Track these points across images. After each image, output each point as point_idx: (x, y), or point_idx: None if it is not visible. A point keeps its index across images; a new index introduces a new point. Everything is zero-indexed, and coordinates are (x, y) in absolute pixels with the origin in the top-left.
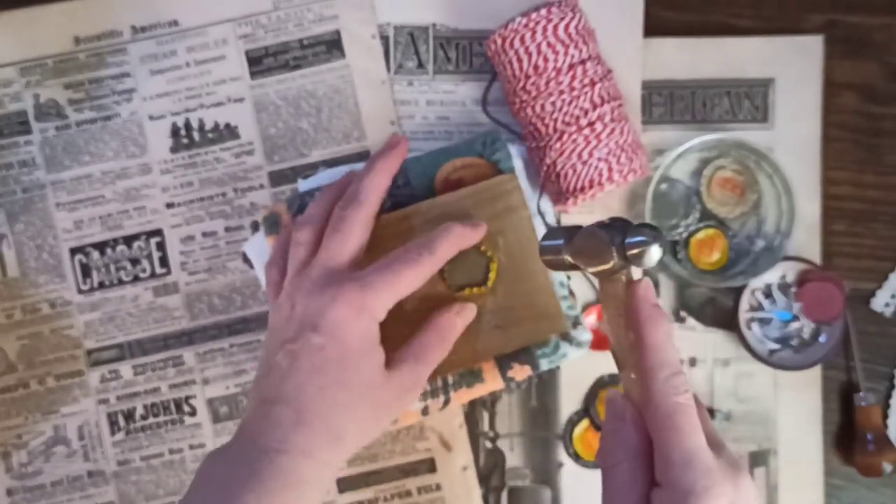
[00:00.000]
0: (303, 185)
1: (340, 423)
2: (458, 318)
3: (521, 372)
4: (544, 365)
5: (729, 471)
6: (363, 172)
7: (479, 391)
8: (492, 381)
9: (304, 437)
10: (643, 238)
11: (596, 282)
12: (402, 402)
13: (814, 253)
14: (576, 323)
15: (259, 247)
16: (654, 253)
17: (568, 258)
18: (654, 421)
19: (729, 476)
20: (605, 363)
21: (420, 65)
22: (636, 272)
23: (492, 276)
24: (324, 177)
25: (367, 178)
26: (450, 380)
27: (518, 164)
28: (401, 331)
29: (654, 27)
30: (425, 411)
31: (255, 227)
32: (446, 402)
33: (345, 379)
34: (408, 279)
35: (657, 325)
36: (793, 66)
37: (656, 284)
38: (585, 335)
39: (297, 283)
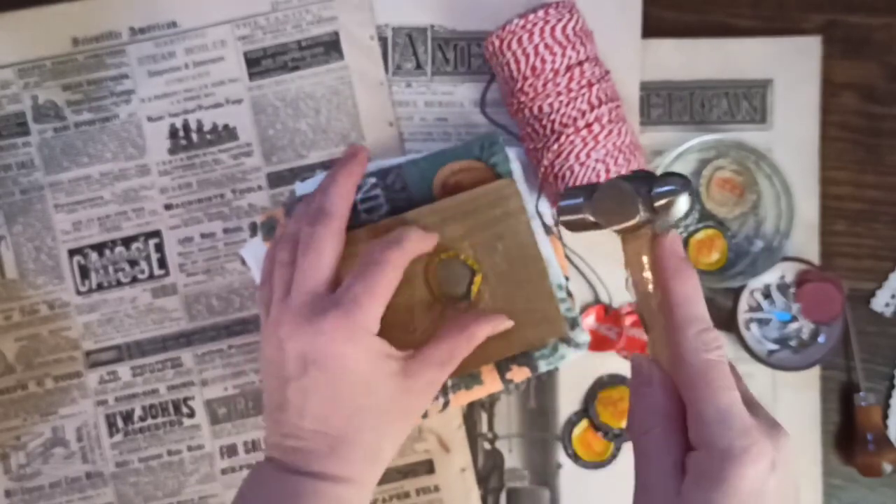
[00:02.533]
0: (300, 187)
1: (373, 444)
2: (491, 329)
3: (519, 374)
4: (543, 367)
5: (768, 430)
6: (326, 184)
7: (478, 393)
8: (490, 384)
9: (341, 466)
10: (672, 187)
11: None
12: (424, 403)
13: (813, 253)
14: (574, 324)
15: (256, 251)
16: (683, 203)
17: (589, 216)
18: (686, 379)
19: (768, 435)
20: (603, 364)
21: (418, 66)
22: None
23: (474, 289)
24: (321, 179)
25: (331, 189)
26: (448, 382)
27: (516, 167)
28: (395, 335)
29: (654, 27)
30: (424, 414)
31: (253, 228)
32: (445, 404)
33: (364, 402)
34: (386, 281)
35: (686, 280)
36: (791, 66)
37: None
38: (584, 337)
39: (281, 312)
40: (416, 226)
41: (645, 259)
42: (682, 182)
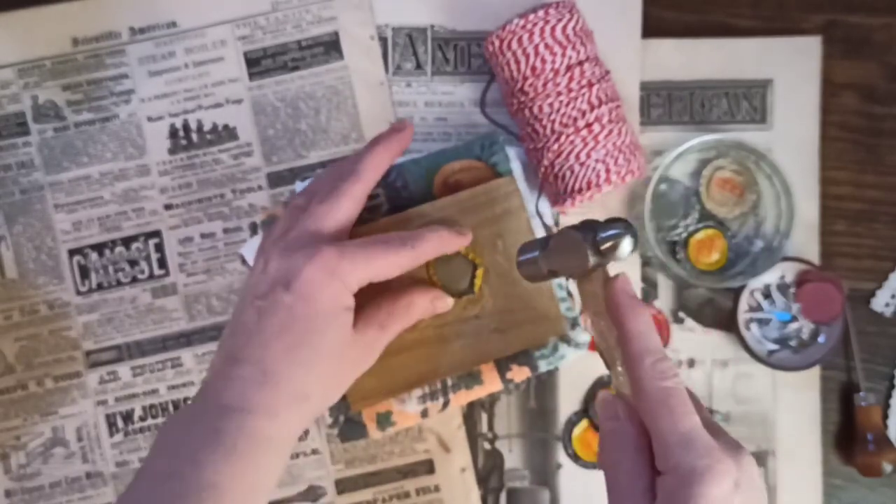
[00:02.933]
0: (300, 187)
1: (305, 383)
2: (431, 305)
3: (519, 373)
4: (543, 366)
5: (730, 451)
6: (364, 149)
7: (478, 393)
8: (490, 383)
9: (268, 397)
10: (616, 231)
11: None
12: (364, 364)
13: (813, 253)
14: (574, 324)
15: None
16: (627, 244)
17: (545, 267)
18: (647, 408)
19: (730, 456)
20: (602, 364)
21: (418, 66)
22: (612, 269)
23: (477, 282)
24: None
25: (368, 154)
26: (448, 382)
27: (516, 166)
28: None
29: (654, 27)
30: (425, 413)
31: (253, 228)
32: (445, 404)
33: (311, 339)
34: (385, 262)
35: (638, 315)
36: (791, 66)
37: (655, 286)
38: (583, 336)
39: (276, 242)
40: (447, 229)
41: (599, 300)
42: (624, 226)
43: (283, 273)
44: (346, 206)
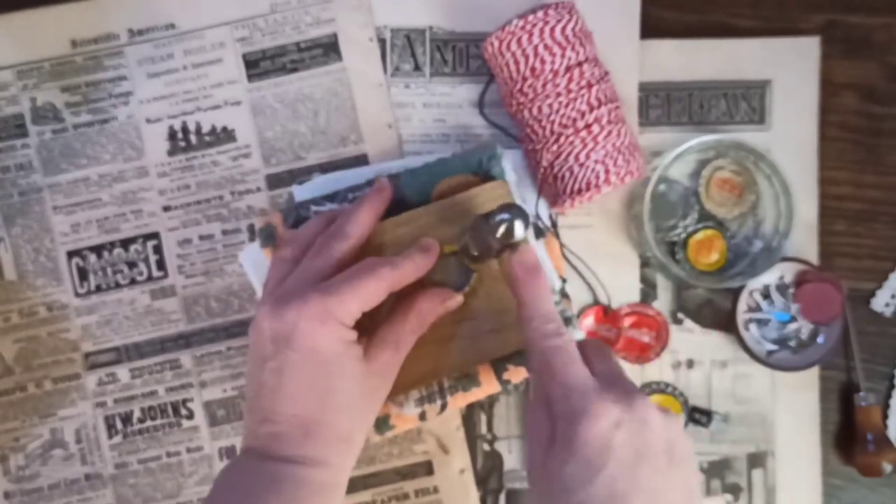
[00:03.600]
0: (297, 191)
1: (344, 426)
2: (441, 308)
3: (516, 374)
4: None
5: (617, 394)
6: (354, 208)
7: (476, 395)
8: (488, 385)
9: (316, 448)
10: (506, 215)
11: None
12: (385, 388)
13: (812, 254)
14: (567, 323)
15: (254, 257)
16: (519, 227)
17: (474, 250)
18: (536, 367)
19: (615, 397)
20: None
21: (417, 67)
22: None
23: (473, 282)
24: (318, 182)
25: (356, 215)
26: (446, 384)
27: (509, 171)
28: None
29: (654, 27)
30: (423, 416)
31: (251, 230)
32: (443, 406)
33: (333, 383)
34: (370, 289)
35: (528, 284)
36: (789, 67)
37: (654, 286)
38: (578, 335)
39: (268, 297)
40: (423, 253)
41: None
42: (515, 210)
43: (281, 332)
44: (335, 266)
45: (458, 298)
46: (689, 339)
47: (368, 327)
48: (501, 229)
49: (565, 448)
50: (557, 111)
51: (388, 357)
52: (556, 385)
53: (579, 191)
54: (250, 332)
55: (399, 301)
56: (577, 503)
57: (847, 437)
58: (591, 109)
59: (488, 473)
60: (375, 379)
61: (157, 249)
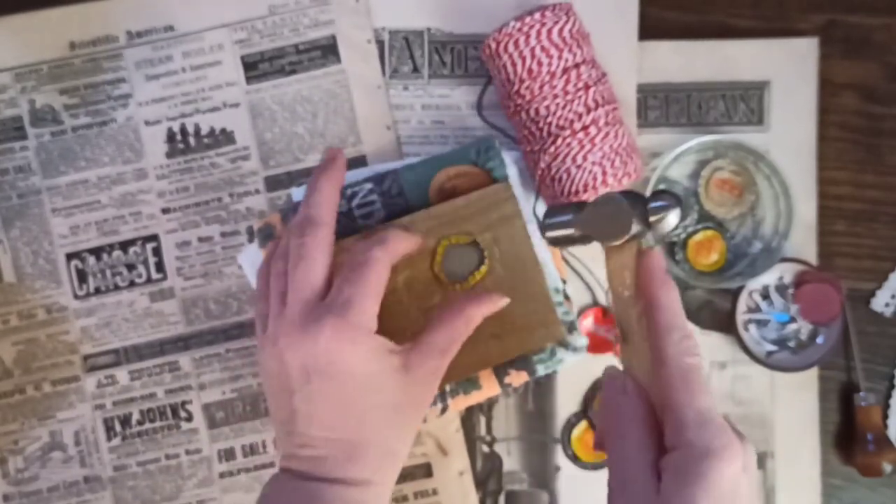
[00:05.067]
0: (296, 192)
1: (387, 442)
2: (491, 309)
3: (517, 378)
4: (541, 371)
5: (740, 435)
6: (308, 193)
7: (477, 398)
8: (488, 388)
9: (359, 469)
10: (666, 203)
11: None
12: (431, 392)
13: (811, 254)
14: (571, 328)
15: (253, 258)
16: (674, 217)
17: (578, 232)
18: (667, 382)
19: (742, 439)
20: (602, 365)
21: (415, 69)
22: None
23: (477, 276)
24: None
25: (314, 197)
26: (447, 387)
27: (512, 171)
28: (400, 324)
29: (653, 27)
30: (423, 419)
31: (250, 232)
32: (444, 409)
33: (372, 402)
34: (375, 279)
35: (670, 290)
36: (788, 68)
37: None
38: (581, 340)
39: (278, 325)
40: (399, 225)
41: (627, 272)
42: (674, 199)
43: (307, 363)
44: (318, 259)
45: (505, 298)
46: None
47: (389, 327)
48: (657, 217)
49: (696, 482)
50: (555, 113)
51: (434, 365)
52: (692, 410)
53: (577, 192)
54: (266, 361)
55: (444, 307)
56: None
57: (847, 437)
58: (589, 111)
59: (487, 475)
60: (418, 388)
61: (156, 251)
